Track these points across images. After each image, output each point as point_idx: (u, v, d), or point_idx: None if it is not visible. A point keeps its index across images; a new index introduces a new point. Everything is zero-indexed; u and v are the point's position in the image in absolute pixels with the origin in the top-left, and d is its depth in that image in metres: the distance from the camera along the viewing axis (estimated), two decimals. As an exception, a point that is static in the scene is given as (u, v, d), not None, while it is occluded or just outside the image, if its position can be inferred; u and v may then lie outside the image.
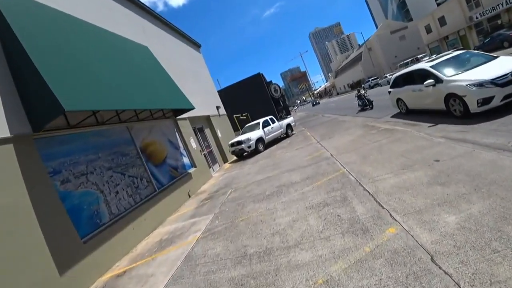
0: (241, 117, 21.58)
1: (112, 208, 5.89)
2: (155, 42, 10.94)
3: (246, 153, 13.31)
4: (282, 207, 4.78)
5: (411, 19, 60.34)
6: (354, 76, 62.65)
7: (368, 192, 4.11)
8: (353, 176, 5.02)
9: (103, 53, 6.60)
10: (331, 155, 7.24)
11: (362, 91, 15.34)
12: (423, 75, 7.40)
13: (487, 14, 26.35)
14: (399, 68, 39.81)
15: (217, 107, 16.08)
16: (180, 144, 9.96)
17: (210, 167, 12.27)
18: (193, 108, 9.60)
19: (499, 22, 26.28)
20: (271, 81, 26.94)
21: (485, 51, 11.63)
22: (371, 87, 39.39)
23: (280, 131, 15.20)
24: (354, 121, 12.21)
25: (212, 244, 4.30)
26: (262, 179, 7.48)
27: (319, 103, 61.51)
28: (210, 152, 13.10)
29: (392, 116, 9.79)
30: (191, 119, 11.63)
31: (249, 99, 25.60)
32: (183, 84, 11.71)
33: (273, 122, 15.14)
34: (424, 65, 7.54)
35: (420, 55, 37.12)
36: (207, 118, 14.18)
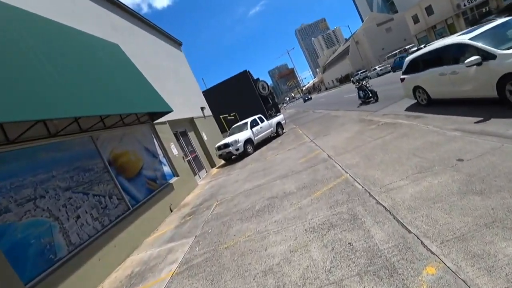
0: (228, 117, 20.56)
1: (72, 237, 4.86)
2: (129, 40, 9.87)
3: (234, 156, 12.35)
4: (275, 228, 3.86)
5: (396, 12, 60.27)
6: (342, 70, 62.35)
7: (384, 206, 3.24)
8: (359, 184, 4.15)
9: (57, 51, 5.53)
10: (329, 156, 6.37)
11: (364, 81, 13.50)
12: (458, 52, 5.65)
13: (475, 1, 26.04)
14: (387, 60, 39.53)
15: (202, 108, 15.06)
16: (159, 152, 8.94)
17: (195, 174, 11.28)
18: (171, 111, 8.60)
19: (484, 9, 26.05)
20: (258, 78, 25.97)
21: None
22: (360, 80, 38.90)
23: (270, 130, 14.30)
24: (348, 116, 11.42)
25: (189, 285, 3.35)
26: (251, 189, 6.55)
27: (311, 98, 57.24)
28: (195, 158, 12.09)
29: (408, 109, 7.99)
30: (172, 123, 10.61)
31: (237, 98, 24.63)
32: (162, 84, 10.70)
33: (262, 121, 14.22)
34: (460, 38, 5.67)
35: (408, 46, 36.86)
36: (191, 121, 13.15)
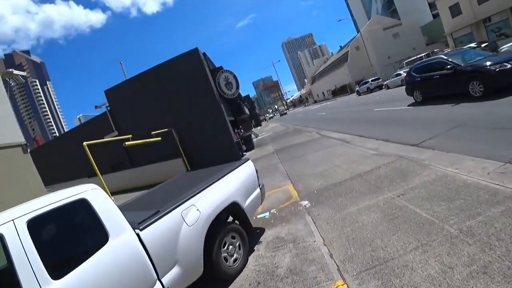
0: (142, 142, 8.70)
1: None
2: None
3: None
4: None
5: (398, 19, 52.13)
6: (337, 81, 52.70)
7: None
8: None
9: None
10: None
11: None
12: None
13: None
14: (405, 66, 29.90)
15: None
16: None
17: None
18: None
19: None
20: (221, 67, 14.40)
21: None
22: (371, 90, 28.84)
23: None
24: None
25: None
26: None
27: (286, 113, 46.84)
28: None
29: None
30: None
31: (178, 100, 12.98)
32: None
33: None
34: None
35: (436, 50, 27.37)
36: None
